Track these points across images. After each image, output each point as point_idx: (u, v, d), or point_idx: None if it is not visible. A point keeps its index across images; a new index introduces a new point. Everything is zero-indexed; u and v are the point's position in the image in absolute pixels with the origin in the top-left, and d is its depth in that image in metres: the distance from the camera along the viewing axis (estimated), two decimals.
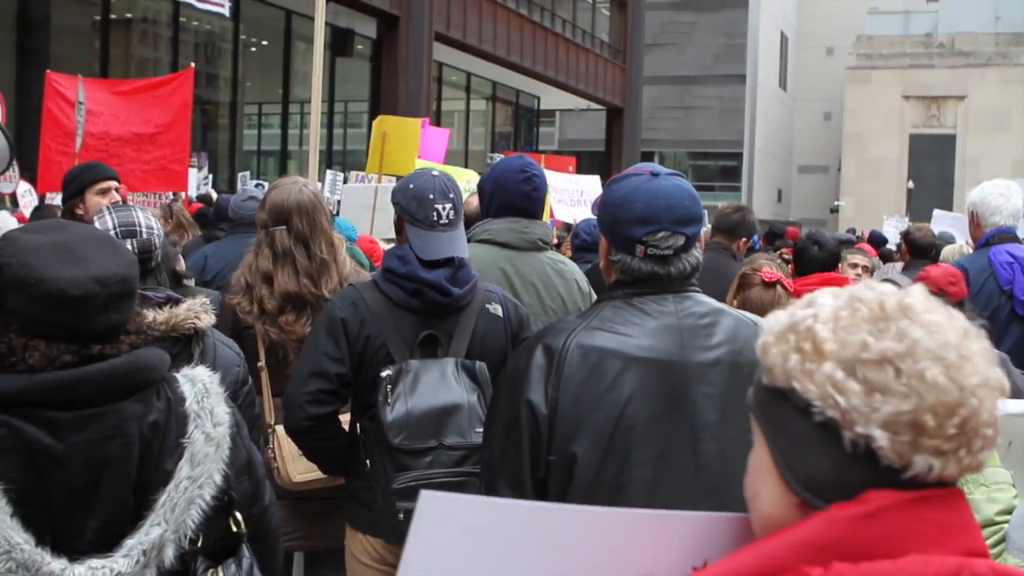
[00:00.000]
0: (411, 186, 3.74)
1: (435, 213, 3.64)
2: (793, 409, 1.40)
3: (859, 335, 1.38)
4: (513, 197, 4.33)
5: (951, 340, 1.37)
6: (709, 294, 2.80)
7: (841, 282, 6.06)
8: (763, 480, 1.47)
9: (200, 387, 2.39)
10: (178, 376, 2.39)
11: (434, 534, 1.46)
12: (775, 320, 1.48)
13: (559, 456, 2.52)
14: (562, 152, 35.43)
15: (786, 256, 6.98)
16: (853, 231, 21.19)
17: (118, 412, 2.18)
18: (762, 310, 4.84)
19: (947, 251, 8.56)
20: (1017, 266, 5.54)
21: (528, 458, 2.54)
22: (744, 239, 6.77)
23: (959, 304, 4.67)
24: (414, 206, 3.67)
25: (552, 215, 12.48)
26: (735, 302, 4.91)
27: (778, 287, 4.79)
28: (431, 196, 3.66)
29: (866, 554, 1.32)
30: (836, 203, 50.97)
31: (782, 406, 1.42)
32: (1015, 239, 5.71)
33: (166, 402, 2.29)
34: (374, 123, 11.73)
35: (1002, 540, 2.28)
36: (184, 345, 3.19)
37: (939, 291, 4.65)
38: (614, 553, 1.52)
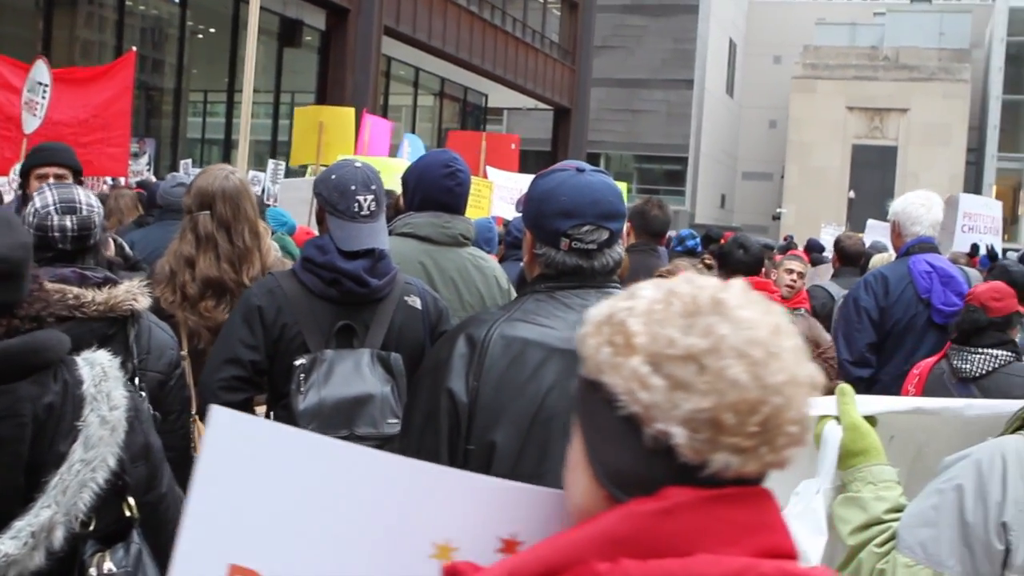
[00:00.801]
0: (333, 177, 3.74)
1: (356, 204, 3.64)
2: (602, 401, 1.38)
3: (668, 330, 1.36)
4: (436, 191, 4.34)
5: (760, 337, 1.35)
6: None
7: (764, 287, 6.14)
8: (576, 472, 1.45)
9: (99, 370, 2.37)
10: (77, 359, 2.38)
11: (224, 452, 1.44)
12: (596, 311, 1.45)
13: (478, 445, 2.54)
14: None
15: (708, 262, 7.06)
16: (790, 238, 21.40)
17: (11, 392, 2.16)
18: None
19: (875, 260, 8.69)
20: (935, 275, 5.64)
21: (447, 447, 2.55)
22: (664, 235, 6.91)
23: (1007, 320, 4.73)
24: (335, 197, 3.67)
25: (494, 213, 12.47)
26: None
27: None
28: (353, 187, 3.66)
29: (658, 551, 1.30)
30: (778, 210, 51.42)
31: (593, 398, 1.40)
32: (934, 249, 5.82)
33: (63, 384, 2.28)
34: (301, 113, 11.61)
35: (892, 538, 2.30)
36: (120, 326, 3.18)
37: (981, 306, 4.72)
38: (412, 507, 1.50)
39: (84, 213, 3.31)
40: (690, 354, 1.33)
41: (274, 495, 1.46)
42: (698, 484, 1.33)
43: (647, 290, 1.43)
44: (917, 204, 5.87)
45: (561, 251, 2.70)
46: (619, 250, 2.81)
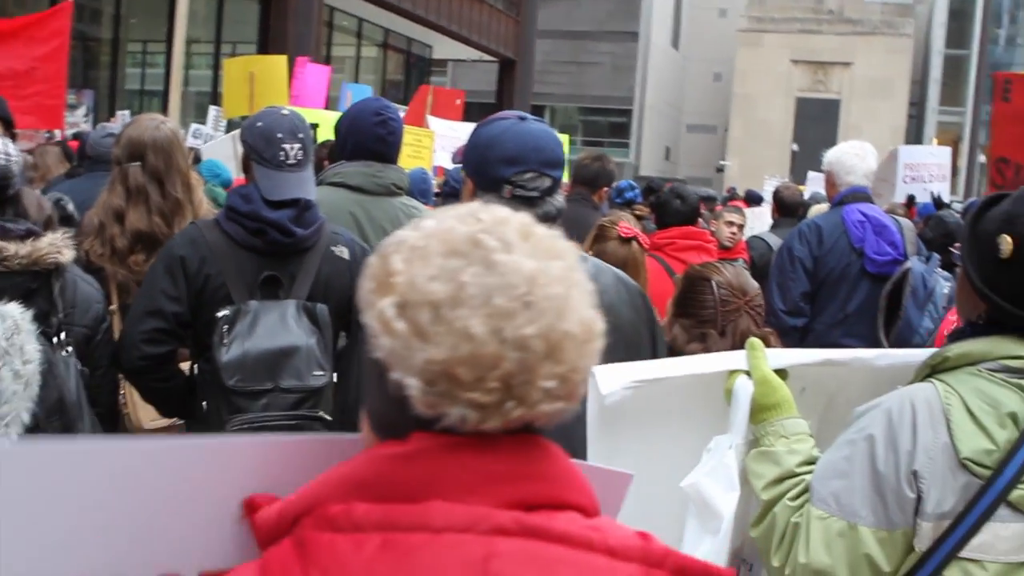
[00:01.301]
0: (259, 124, 3.67)
1: (282, 153, 3.58)
2: (366, 340, 1.33)
3: (420, 271, 1.28)
4: (367, 140, 4.28)
5: (511, 284, 1.27)
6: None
7: (700, 236, 6.16)
8: (362, 415, 1.41)
9: (10, 323, 2.33)
10: None
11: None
12: (388, 239, 1.37)
13: None
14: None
15: (638, 212, 7.09)
16: (733, 190, 21.51)
17: None
18: (617, 264, 4.90)
19: (813, 210, 8.76)
20: (868, 225, 5.67)
21: None
22: (604, 188, 6.86)
23: None
24: (261, 145, 3.60)
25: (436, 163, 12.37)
26: (591, 253, 4.95)
27: (634, 243, 4.84)
28: (279, 135, 3.60)
29: (396, 495, 1.27)
30: (722, 163, 51.64)
31: (364, 335, 1.34)
32: (868, 199, 5.85)
33: None
34: (231, 63, 11.36)
35: (805, 491, 2.31)
36: (44, 280, 3.11)
37: None
38: (209, 479, 1.45)
39: (1, 163, 3.22)
40: (429, 300, 1.26)
41: (54, 512, 1.39)
42: (444, 431, 1.28)
43: (431, 220, 1.35)
44: (851, 154, 5.90)
45: (503, 198, 2.68)
46: (560, 199, 2.81)
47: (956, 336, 2.39)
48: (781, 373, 2.50)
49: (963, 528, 2.16)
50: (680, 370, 2.50)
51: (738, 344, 2.54)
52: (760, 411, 2.44)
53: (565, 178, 3.65)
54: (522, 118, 2.81)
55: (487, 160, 2.74)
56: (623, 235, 4.80)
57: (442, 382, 1.25)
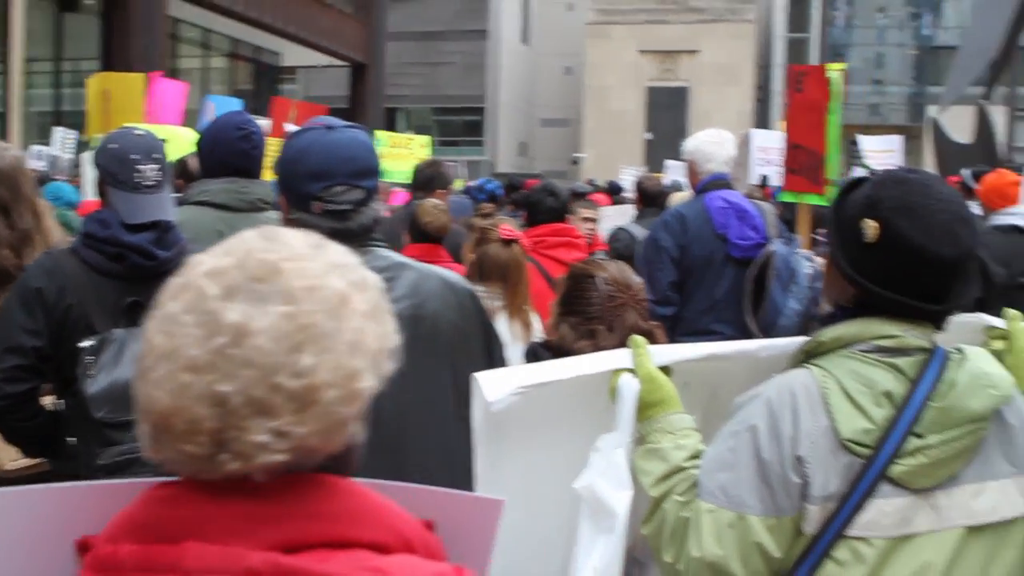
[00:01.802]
0: (112, 146, 3.55)
1: (138, 174, 3.47)
2: None
3: (156, 314, 1.34)
4: (231, 156, 4.19)
5: (216, 336, 1.27)
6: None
7: (569, 232, 6.19)
8: None
9: None
10: None
11: None
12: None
13: None
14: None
15: (485, 211, 7.22)
16: (592, 182, 21.71)
17: None
18: (499, 266, 4.91)
19: (674, 198, 8.88)
20: (731, 211, 5.76)
21: None
22: (440, 191, 6.98)
23: None
24: (116, 167, 3.49)
25: None
26: (472, 256, 4.95)
27: (515, 245, 4.86)
28: (133, 157, 3.49)
29: (161, 537, 1.27)
30: (578, 155, 52.11)
31: None
32: (728, 185, 5.95)
33: None
34: (89, 82, 11.08)
35: (694, 486, 2.33)
36: None
37: None
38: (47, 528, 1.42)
39: None
40: (149, 348, 1.31)
41: None
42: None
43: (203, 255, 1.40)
44: (709, 142, 5.99)
45: (315, 214, 2.63)
46: (376, 207, 2.76)
47: (827, 320, 2.44)
48: (665, 370, 2.51)
49: (848, 507, 2.21)
50: (565, 372, 2.49)
51: (627, 338, 2.55)
52: (645, 408, 2.44)
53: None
54: (330, 127, 2.74)
55: (295, 176, 2.68)
56: (504, 238, 4.81)
57: (160, 430, 1.26)
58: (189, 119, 13.78)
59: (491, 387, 2.35)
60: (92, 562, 1.29)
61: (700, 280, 5.76)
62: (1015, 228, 6.60)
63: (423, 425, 2.86)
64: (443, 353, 2.91)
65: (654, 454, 2.40)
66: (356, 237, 2.66)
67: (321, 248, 1.39)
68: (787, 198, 7.03)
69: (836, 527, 2.21)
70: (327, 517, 1.31)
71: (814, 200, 6.19)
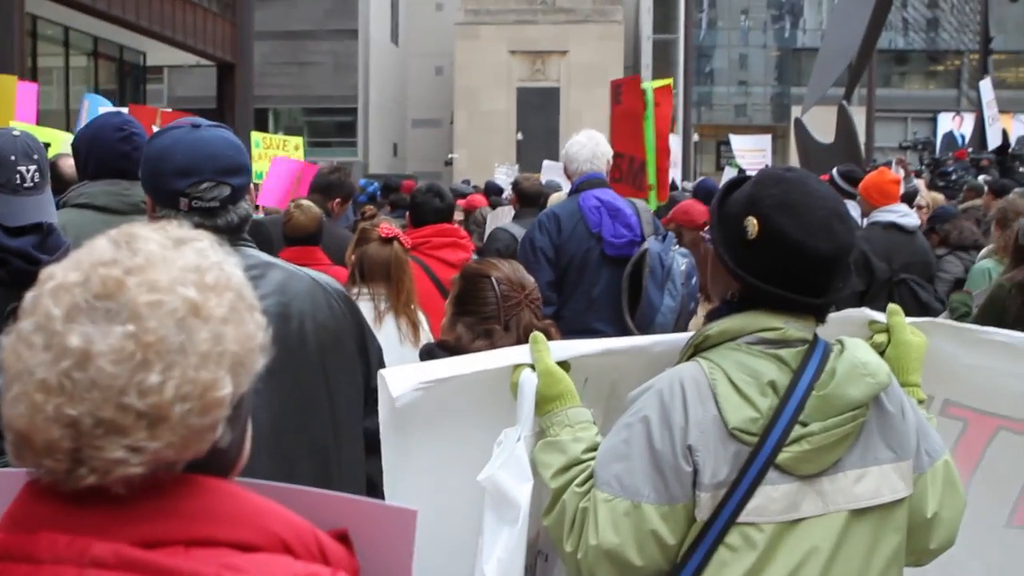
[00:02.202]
0: None
1: (18, 176, 3.41)
2: None
3: (18, 328, 1.33)
4: (111, 157, 4.12)
5: (61, 358, 1.28)
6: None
7: (455, 233, 6.23)
8: None
9: None
10: None
11: None
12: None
13: None
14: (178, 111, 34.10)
15: (368, 212, 7.24)
16: (468, 182, 21.77)
17: None
18: (380, 264, 4.92)
19: (552, 198, 8.98)
20: (604, 210, 5.85)
21: None
22: (339, 200, 6.88)
23: None
24: None
25: None
26: (353, 257, 4.96)
27: (395, 243, 4.88)
28: (12, 158, 3.42)
29: (24, 527, 1.32)
30: (450, 155, 52.11)
31: None
32: (603, 184, 6.04)
33: None
34: None
35: (591, 477, 2.41)
36: None
37: None
38: None
39: None
40: (6, 366, 1.32)
41: None
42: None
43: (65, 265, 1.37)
44: (582, 143, 6.09)
45: (182, 212, 2.64)
46: (245, 206, 2.77)
47: (713, 315, 2.55)
48: (564, 365, 2.59)
49: (738, 494, 2.31)
50: (468, 367, 2.56)
51: (522, 337, 2.63)
52: (545, 402, 2.51)
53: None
54: (195, 125, 2.75)
55: (161, 173, 2.68)
56: (383, 236, 4.83)
57: (20, 446, 1.29)
58: (45, 120, 13.40)
59: (396, 382, 2.40)
60: None
61: (577, 279, 5.84)
62: (894, 225, 6.92)
63: (294, 426, 2.87)
64: (313, 353, 2.92)
65: (553, 447, 2.47)
66: (223, 235, 2.66)
67: (179, 248, 1.38)
68: None
69: (727, 513, 2.31)
70: (188, 516, 1.33)
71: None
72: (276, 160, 12.02)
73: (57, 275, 1.33)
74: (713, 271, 2.61)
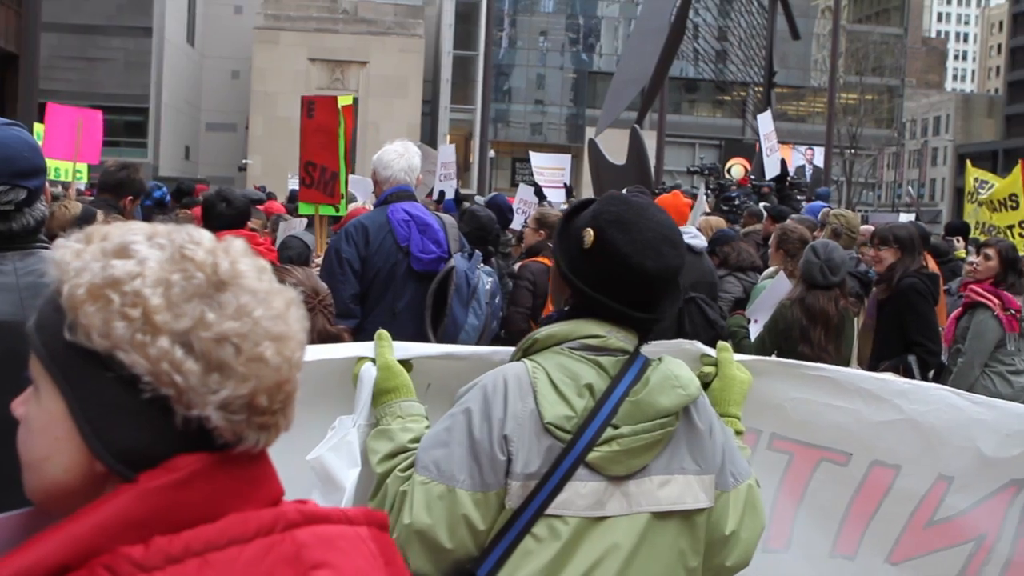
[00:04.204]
0: None
1: None
2: (115, 380, 1.28)
3: (197, 307, 1.29)
4: None
5: (278, 311, 1.35)
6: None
7: (253, 239, 6.10)
8: (58, 445, 1.32)
9: None
10: None
11: None
12: (84, 268, 1.30)
13: None
14: None
15: (183, 214, 7.09)
16: (263, 188, 21.42)
17: None
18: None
19: (352, 208, 8.89)
20: (413, 224, 5.78)
21: None
22: (131, 197, 6.72)
23: None
24: None
25: None
26: None
27: None
28: None
29: (187, 522, 1.27)
30: (244, 161, 51.29)
31: (96, 371, 1.29)
32: (411, 197, 5.97)
33: None
34: None
35: (414, 463, 2.50)
36: None
37: None
38: None
39: None
40: (225, 337, 1.29)
41: None
42: (206, 449, 1.32)
43: (146, 247, 1.32)
44: (393, 154, 6.00)
45: None
46: (41, 208, 2.70)
47: (545, 322, 2.69)
48: (406, 364, 2.76)
49: (548, 487, 2.42)
50: (312, 355, 2.54)
51: (315, 343, 2.68)
52: (381, 394, 2.68)
53: None
54: None
55: None
56: None
57: (242, 412, 1.29)
58: None
59: None
60: (121, 569, 1.24)
61: (382, 292, 5.75)
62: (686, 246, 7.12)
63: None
64: None
65: (383, 435, 2.61)
66: (19, 238, 2.59)
67: None
68: (306, 210, 8.02)
69: (536, 504, 2.42)
70: (271, 474, 1.40)
71: (329, 211, 7.63)
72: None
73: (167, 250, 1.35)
74: (553, 282, 2.76)
